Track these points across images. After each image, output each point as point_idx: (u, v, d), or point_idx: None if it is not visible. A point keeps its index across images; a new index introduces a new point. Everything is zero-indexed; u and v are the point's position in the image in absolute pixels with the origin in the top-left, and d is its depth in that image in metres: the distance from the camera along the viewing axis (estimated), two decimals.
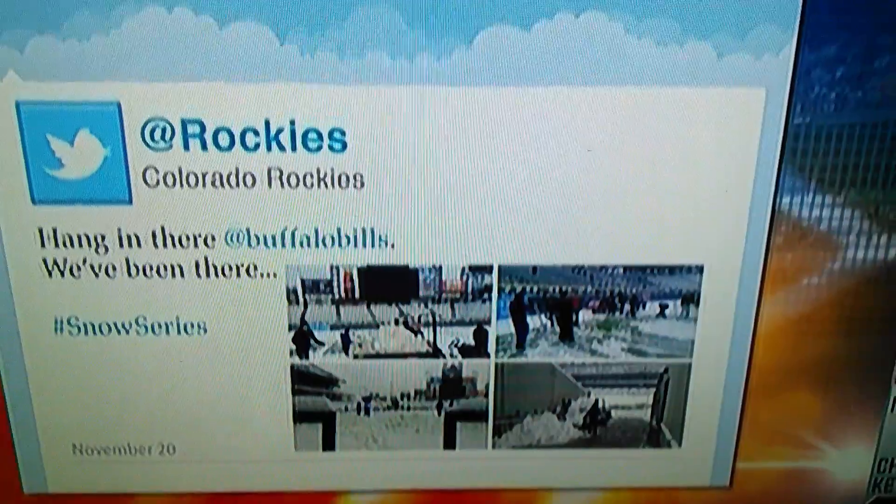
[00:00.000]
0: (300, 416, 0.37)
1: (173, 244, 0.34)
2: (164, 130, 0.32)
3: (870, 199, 0.34)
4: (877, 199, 0.34)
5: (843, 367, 0.37)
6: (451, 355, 0.37)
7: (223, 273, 0.35)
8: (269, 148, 0.33)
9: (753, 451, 0.39)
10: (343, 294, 0.35)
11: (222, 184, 0.33)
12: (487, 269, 0.35)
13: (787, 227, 0.35)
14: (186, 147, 0.32)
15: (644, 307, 0.36)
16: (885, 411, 0.38)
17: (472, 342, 0.36)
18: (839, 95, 0.33)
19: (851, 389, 0.38)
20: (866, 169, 0.34)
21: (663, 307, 0.36)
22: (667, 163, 0.33)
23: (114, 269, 0.34)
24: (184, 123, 0.32)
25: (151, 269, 0.34)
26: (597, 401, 0.38)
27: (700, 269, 0.35)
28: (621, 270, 0.35)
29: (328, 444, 0.38)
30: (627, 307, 0.36)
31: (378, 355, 0.37)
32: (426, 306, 0.36)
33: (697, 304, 0.36)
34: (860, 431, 0.39)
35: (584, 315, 0.36)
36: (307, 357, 0.36)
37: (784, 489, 0.40)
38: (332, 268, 0.35)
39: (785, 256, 0.35)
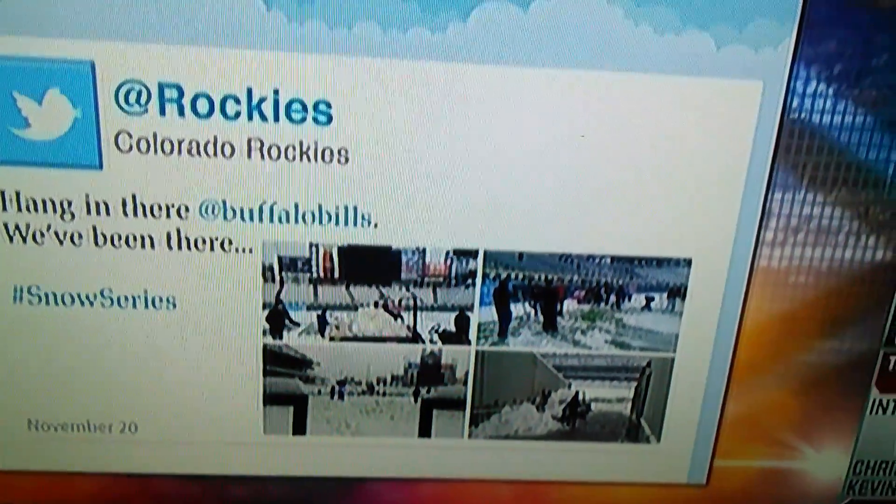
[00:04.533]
0: (271, 399, 0.36)
1: (144, 214, 0.33)
2: (139, 93, 0.31)
3: (861, 198, 0.34)
4: (867, 200, 0.34)
5: (824, 367, 0.37)
6: (431, 341, 0.36)
7: (196, 246, 0.33)
8: (250, 117, 0.31)
9: (731, 449, 0.39)
10: (321, 273, 0.34)
11: (199, 152, 0.32)
12: (472, 254, 0.34)
13: (777, 223, 0.34)
14: (163, 112, 0.31)
15: (630, 299, 0.35)
16: (864, 413, 0.38)
17: (453, 328, 0.36)
18: (836, 92, 0.32)
19: (832, 390, 0.38)
20: (859, 168, 0.34)
21: (649, 300, 0.35)
22: (660, 152, 0.33)
23: (80, 237, 0.33)
24: (161, 87, 0.31)
25: (120, 238, 0.33)
26: (577, 393, 0.37)
27: (688, 263, 0.35)
28: (609, 261, 0.35)
29: (299, 428, 0.37)
30: (613, 298, 0.35)
31: (355, 338, 0.35)
32: (407, 289, 0.35)
33: (684, 298, 0.35)
34: (838, 433, 0.39)
35: (569, 305, 0.35)
36: (281, 337, 0.35)
37: (760, 488, 0.40)
38: (311, 245, 0.34)
39: (773, 253, 0.35)
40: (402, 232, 0.34)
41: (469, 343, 0.36)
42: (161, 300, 0.34)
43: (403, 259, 0.34)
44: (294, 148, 0.32)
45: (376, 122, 0.32)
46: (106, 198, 0.32)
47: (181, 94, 0.31)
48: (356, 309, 0.35)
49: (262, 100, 0.31)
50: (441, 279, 0.35)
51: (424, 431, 0.37)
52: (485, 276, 0.35)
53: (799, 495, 0.40)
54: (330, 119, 0.32)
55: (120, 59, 0.30)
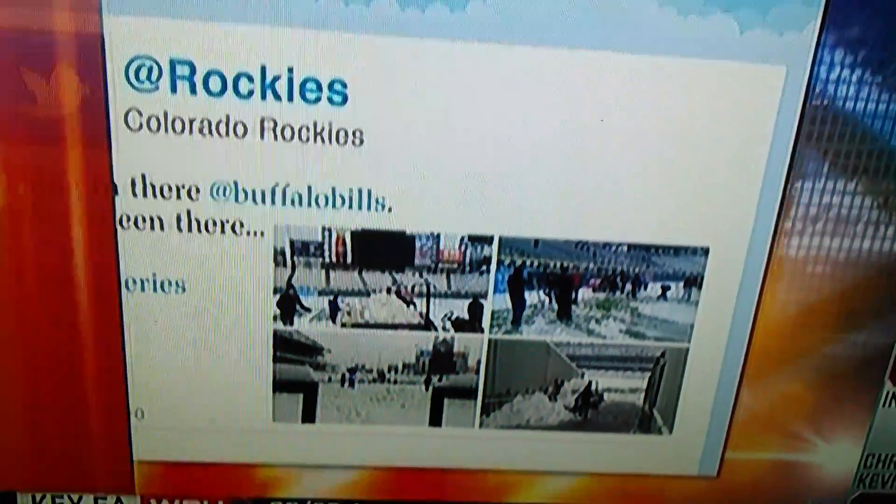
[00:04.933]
0: (280, 386, 0.36)
1: (154, 194, 0.32)
2: (150, 70, 0.30)
3: (882, 188, 0.34)
4: (889, 189, 0.34)
5: (838, 360, 0.37)
6: (444, 328, 0.35)
7: (206, 229, 0.33)
8: (263, 96, 0.31)
9: (743, 442, 0.38)
10: (334, 258, 0.33)
11: (211, 132, 0.31)
12: (487, 240, 0.34)
13: (796, 212, 0.34)
14: (174, 89, 0.30)
15: (646, 288, 0.35)
16: (877, 407, 0.38)
17: (466, 316, 0.35)
18: (860, 78, 0.32)
19: (845, 383, 0.37)
20: (881, 157, 0.33)
21: (665, 289, 0.35)
22: (679, 137, 0.32)
23: None
24: (172, 64, 0.30)
25: (129, 220, 0.32)
26: (590, 383, 0.37)
27: (705, 252, 0.34)
28: (625, 248, 0.34)
29: (308, 415, 0.36)
30: (629, 287, 0.35)
31: (367, 325, 0.35)
32: (421, 276, 0.34)
33: (700, 288, 0.35)
34: (850, 426, 0.38)
35: (584, 293, 0.35)
36: (292, 323, 0.34)
37: (770, 481, 0.39)
38: (323, 229, 0.33)
39: (791, 243, 0.34)
40: (416, 217, 0.33)
41: (482, 331, 0.35)
42: (170, 283, 0.33)
43: (417, 244, 0.33)
44: (308, 129, 0.31)
45: (392, 103, 0.31)
46: (115, 177, 0.31)
47: (193, 71, 0.30)
48: (368, 295, 0.34)
49: (275, 78, 0.30)
50: (455, 265, 0.34)
51: (435, 420, 0.37)
52: (499, 262, 0.34)
53: (809, 488, 0.40)
54: (345, 99, 0.31)
55: (131, 35, 0.29)
